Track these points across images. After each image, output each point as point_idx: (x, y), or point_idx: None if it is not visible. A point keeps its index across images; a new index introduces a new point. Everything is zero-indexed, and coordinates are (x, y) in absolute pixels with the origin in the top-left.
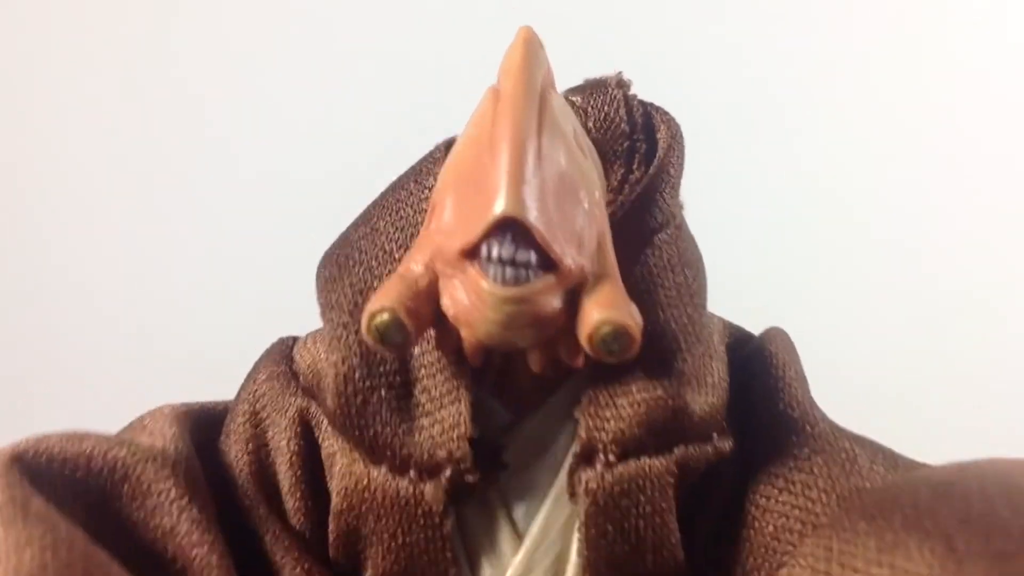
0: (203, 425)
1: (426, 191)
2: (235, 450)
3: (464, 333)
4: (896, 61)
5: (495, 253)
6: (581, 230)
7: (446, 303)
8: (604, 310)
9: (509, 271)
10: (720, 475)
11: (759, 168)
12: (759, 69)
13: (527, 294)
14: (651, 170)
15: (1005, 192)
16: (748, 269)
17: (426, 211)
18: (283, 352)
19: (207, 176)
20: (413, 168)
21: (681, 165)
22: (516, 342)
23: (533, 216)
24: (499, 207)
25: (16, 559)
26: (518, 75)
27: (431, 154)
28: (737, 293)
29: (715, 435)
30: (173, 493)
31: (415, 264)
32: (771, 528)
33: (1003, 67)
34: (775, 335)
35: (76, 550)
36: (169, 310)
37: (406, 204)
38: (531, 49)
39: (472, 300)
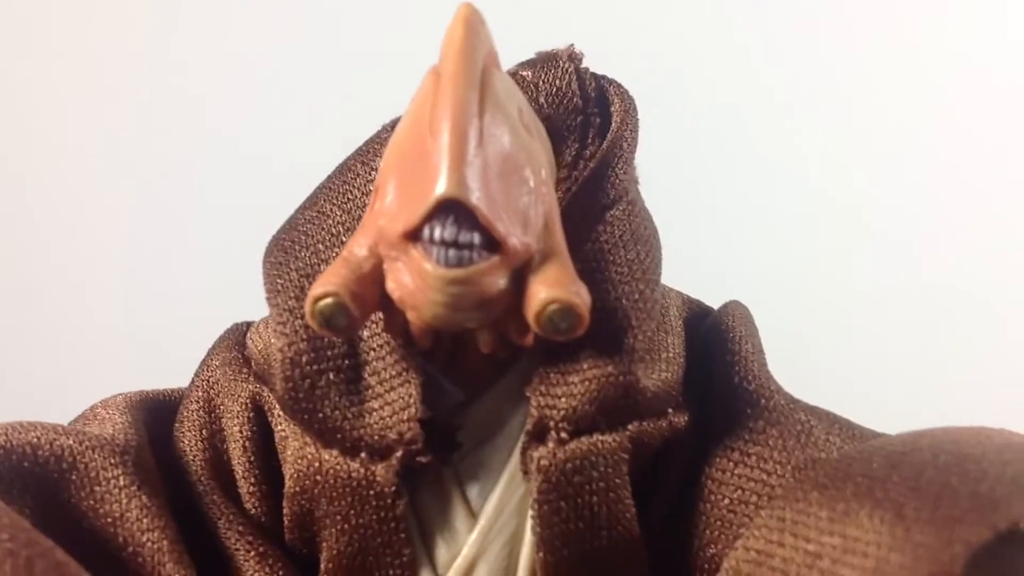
0: (157, 413)
1: (373, 172)
2: (188, 437)
3: (411, 316)
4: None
5: (437, 235)
6: (526, 209)
7: (391, 286)
8: (551, 289)
9: (452, 253)
10: (676, 449)
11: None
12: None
13: (471, 275)
14: (604, 144)
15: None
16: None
17: (371, 192)
18: (236, 337)
19: (205, 173)
20: (359, 149)
21: (635, 139)
22: (463, 323)
23: (475, 197)
24: (440, 188)
25: None
26: (458, 55)
27: (377, 134)
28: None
29: (670, 410)
30: (122, 480)
31: (359, 248)
32: (727, 501)
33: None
34: (733, 308)
35: (19, 539)
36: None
37: (352, 186)
38: (471, 27)
39: (417, 283)
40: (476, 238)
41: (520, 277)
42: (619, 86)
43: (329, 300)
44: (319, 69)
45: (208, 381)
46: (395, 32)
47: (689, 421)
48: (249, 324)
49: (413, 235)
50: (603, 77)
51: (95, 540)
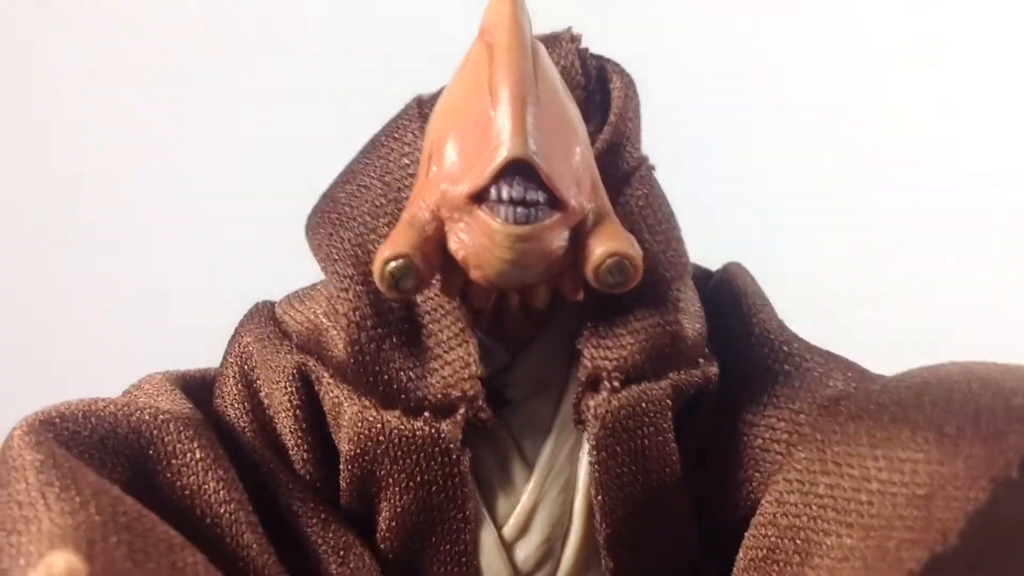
0: (194, 390)
1: (406, 146)
2: (233, 411)
3: (474, 274)
4: None
5: (505, 194)
6: (577, 170)
7: (454, 247)
8: (608, 243)
9: (520, 210)
10: (705, 398)
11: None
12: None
13: (538, 231)
14: (612, 119)
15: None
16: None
17: (407, 164)
18: (265, 315)
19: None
20: (386, 127)
21: (639, 112)
22: (525, 279)
23: (540, 157)
24: (508, 149)
25: (74, 520)
26: (511, 26)
27: (404, 112)
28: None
29: (702, 360)
30: (199, 454)
31: (421, 211)
32: (760, 441)
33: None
34: (736, 269)
35: (132, 510)
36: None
37: (388, 160)
38: (518, 1)
39: (483, 241)
40: (541, 196)
41: (575, 235)
42: (617, 65)
43: (400, 262)
44: (319, 68)
45: (242, 357)
46: (391, 33)
47: (716, 370)
48: (271, 303)
49: (479, 196)
50: (601, 57)
51: (175, 512)
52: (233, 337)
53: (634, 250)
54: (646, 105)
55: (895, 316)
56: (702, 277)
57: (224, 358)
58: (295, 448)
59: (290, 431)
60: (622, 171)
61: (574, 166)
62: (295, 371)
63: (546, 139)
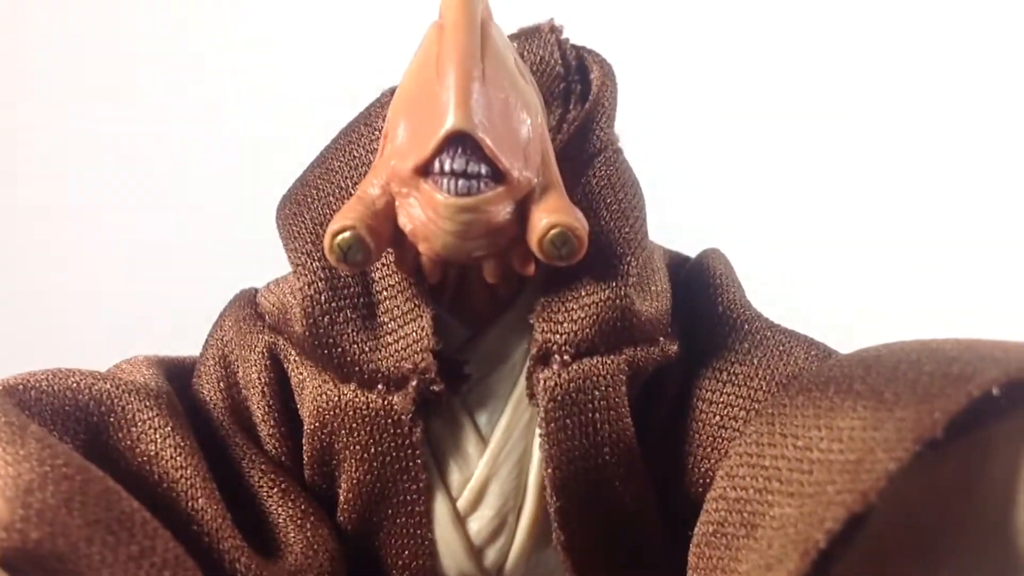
0: (174, 373)
1: (376, 132)
2: (207, 388)
3: (422, 248)
4: None
5: (447, 166)
6: (526, 145)
7: (403, 221)
8: (552, 215)
9: (462, 183)
10: (667, 376)
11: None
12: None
13: (480, 203)
14: (587, 105)
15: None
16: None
17: (375, 149)
18: (247, 299)
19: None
20: (362, 113)
21: (615, 100)
22: (471, 252)
23: (482, 130)
24: (449, 122)
25: (15, 470)
26: (460, 5)
27: (378, 99)
28: None
29: (661, 338)
30: (157, 422)
31: (372, 187)
32: (717, 418)
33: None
34: (711, 252)
35: (73, 464)
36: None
37: (357, 144)
38: None
39: (428, 214)
40: (483, 169)
41: (522, 209)
42: (597, 55)
43: (347, 234)
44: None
45: (222, 340)
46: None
47: (678, 350)
48: (256, 289)
49: (424, 169)
50: (582, 47)
51: (132, 477)
52: (216, 321)
53: (579, 222)
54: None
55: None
56: (677, 262)
57: (206, 340)
58: (262, 423)
59: (258, 406)
60: (588, 152)
61: (521, 140)
62: (265, 350)
63: (491, 113)
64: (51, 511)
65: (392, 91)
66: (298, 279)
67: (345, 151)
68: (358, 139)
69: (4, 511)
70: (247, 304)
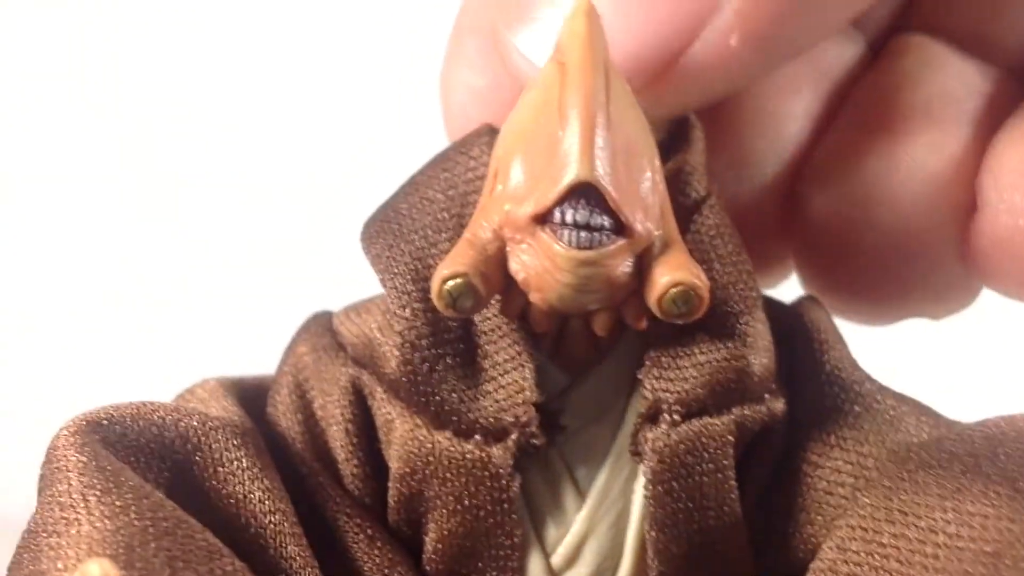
0: (244, 397)
1: (471, 161)
2: (285, 421)
3: (534, 297)
4: None
5: (569, 218)
6: (647, 196)
7: (515, 268)
8: (674, 272)
9: (584, 235)
10: (769, 436)
11: None
12: None
13: (601, 257)
14: (686, 146)
15: None
16: None
17: (472, 180)
18: (323, 326)
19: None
20: (459, 142)
21: (703, 147)
22: (586, 305)
23: (606, 181)
24: (574, 172)
25: (114, 524)
26: (584, 46)
27: (475, 131)
28: None
29: (767, 396)
30: (245, 463)
31: (483, 231)
32: (824, 484)
33: None
34: (809, 303)
35: (173, 517)
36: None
37: (453, 174)
38: (593, 21)
39: (544, 264)
40: (606, 221)
41: (640, 262)
42: None
43: (459, 280)
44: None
45: (296, 367)
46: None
47: (783, 407)
48: (331, 313)
49: (543, 218)
50: None
51: (219, 521)
52: (289, 346)
53: (700, 280)
54: None
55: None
56: (775, 308)
57: (279, 367)
58: (345, 462)
59: (341, 445)
60: (692, 199)
61: (643, 191)
62: (349, 384)
63: (615, 163)
64: (155, 572)
65: (490, 128)
66: (397, 322)
67: (441, 180)
68: (453, 167)
69: (116, 573)
70: (324, 332)
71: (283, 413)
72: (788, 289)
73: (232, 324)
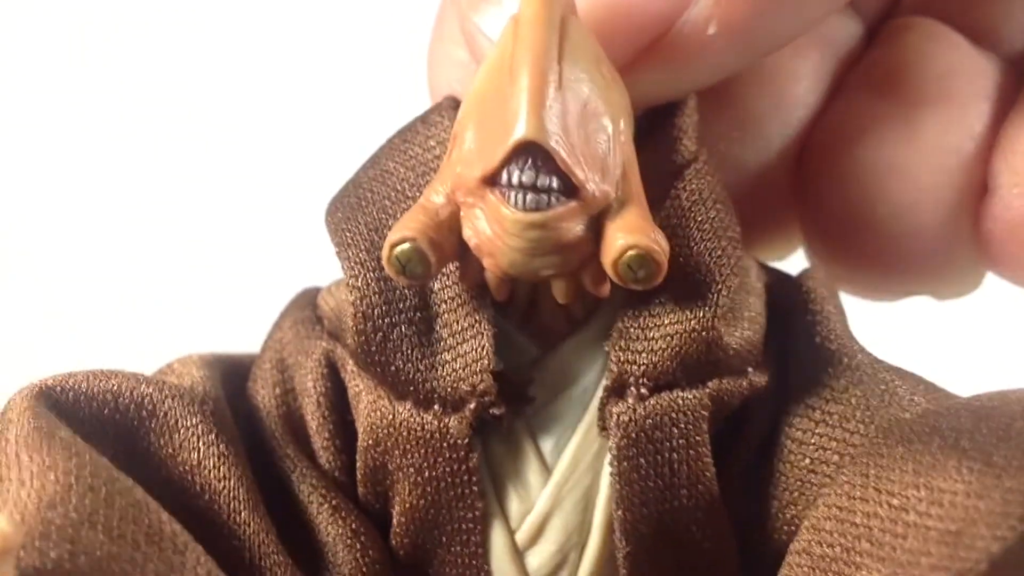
0: (231, 372)
1: (432, 128)
2: (263, 394)
3: (487, 263)
4: None
5: (516, 179)
6: (605, 156)
7: (468, 233)
8: (628, 235)
9: (531, 196)
10: (755, 410)
11: None
12: None
13: (549, 219)
14: (675, 109)
15: None
16: None
17: (432, 148)
18: (307, 300)
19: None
20: (421, 114)
21: (696, 107)
22: (540, 270)
23: (554, 140)
24: (519, 132)
25: (40, 482)
26: (537, 2)
27: (438, 104)
28: None
29: (750, 369)
30: (200, 429)
31: (436, 195)
32: (807, 461)
33: None
34: (813, 272)
35: (100, 475)
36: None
37: (413, 143)
38: None
39: (494, 228)
40: (554, 182)
41: (598, 225)
42: None
43: (407, 245)
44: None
45: (280, 342)
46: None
47: (769, 381)
48: (319, 288)
49: (491, 180)
50: None
51: (172, 486)
52: (276, 322)
53: (659, 245)
54: None
55: None
56: (776, 279)
57: (265, 342)
58: (316, 434)
59: (312, 417)
60: (676, 163)
61: (599, 150)
62: (322, 357)
63: (566, 121)
64: (73, 527)
65: (454, 99)
66: (350, 291)
67: (401, 151)
68: (414, 137)
69: (12, 531)
70: (307, 305)
71: (261, 387)
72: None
73: (228, 311)
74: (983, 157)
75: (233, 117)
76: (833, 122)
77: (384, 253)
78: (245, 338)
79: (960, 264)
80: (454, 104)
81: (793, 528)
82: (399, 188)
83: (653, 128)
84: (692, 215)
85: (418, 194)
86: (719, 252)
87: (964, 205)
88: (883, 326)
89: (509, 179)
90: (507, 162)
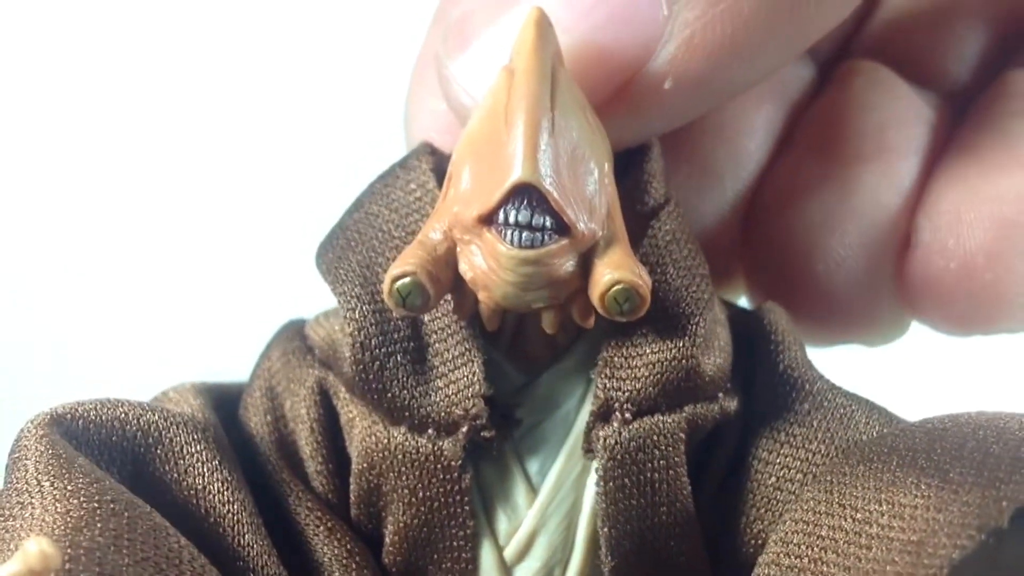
0: (221, 400)
1: (412, 173)
2: (255, 421)
3: (482, 296)
4: None
5: (512, 218)
6: (592, 197)
7: (464, 268)
8: (615, 271)
9: (525, 235)
10: (724, 434)
11: None
12: None
13: (542, 256)
14: (645, 154)
15: None
16: None
17: (412, 191)
18: (295, 331)
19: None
20: (400, 160)
21: (660, 153)
22: (531, 303)
23: (548, 183)
24: (516, 174)
25: (64, 507)
26: (531, 53)
27: (416, 149)
28: None
29: (721, 395)
30: (205, 455)
31: (433, 232)
32: (773, 479)
33: None
34: (772, 307)
35: (121, 500)
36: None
37: (395, 187)
38: (541, 29)
39: (490, 263)
40: (548, 222)
41: (586, 261)
42: None
43: (407, 279)
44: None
45: (269, 371)
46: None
47: (737, 406)
48: (304, 320)
49: (488, 219)
50: None
51: (178, 510)
52: (263, 353)
53: (642, 280)
54: None
55: None
56: (737, 312)
57: (253, 372)
58: (310, 459)
59: (306, 443)
60: (649, 206)
61: (587, 192)
62: (315, 385)
63: (557, 165)
64: (100, 550)
65: (430, 145)
66: (348, 323)
67: (383, 195)
68: (395, 183)
69: (53, 552)
70: (295, 336)
71: (253, 414)
72: None
73: (222, 334)
74: (909, 212)
75: (224, 140)
76: (779, 180)
77: (385, 286)
78: (228, 366)
79: (886, 314)
80: (430, 149)
81: (760, 542)
82: (384, 229)
83: (626, 171)
84: (668, 253)
85: (403, 233)
86: (694, 287)
87: (889, 259)
88: (835, 356)
89: (506, 218)
90: (504, 203)
